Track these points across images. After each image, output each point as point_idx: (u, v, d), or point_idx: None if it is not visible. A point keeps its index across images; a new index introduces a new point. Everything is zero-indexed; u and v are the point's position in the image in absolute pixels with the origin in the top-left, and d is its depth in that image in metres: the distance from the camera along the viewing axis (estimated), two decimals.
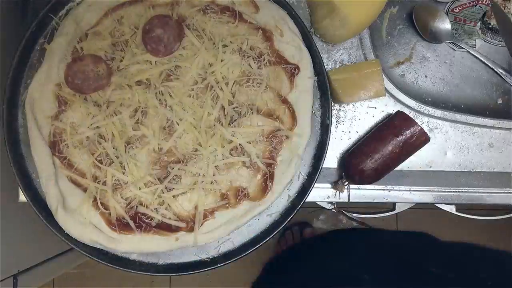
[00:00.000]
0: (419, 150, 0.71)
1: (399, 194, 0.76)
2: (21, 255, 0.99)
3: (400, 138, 0.69)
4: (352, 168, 0.70)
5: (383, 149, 0.69)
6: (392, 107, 0.77)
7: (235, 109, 0.67)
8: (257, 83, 0.68)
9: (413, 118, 0.71)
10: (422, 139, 0.69)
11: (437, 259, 0.74)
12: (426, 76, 0.83)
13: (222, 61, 0.67)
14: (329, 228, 0.73)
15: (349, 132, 0.76)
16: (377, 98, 0.76)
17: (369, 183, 0.71)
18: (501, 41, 0.82)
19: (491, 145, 0.78)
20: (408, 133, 0.68)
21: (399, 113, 0.72)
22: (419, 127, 0.68)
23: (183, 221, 0.66)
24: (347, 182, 0.73)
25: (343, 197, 0.75)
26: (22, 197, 0.68)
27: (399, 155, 0.70)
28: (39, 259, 1.09)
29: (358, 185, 0.74)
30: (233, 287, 1.69)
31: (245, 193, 0.67)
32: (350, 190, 0.75)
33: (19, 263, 0.98)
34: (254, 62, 0.68)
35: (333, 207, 0.78)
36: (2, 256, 0.87)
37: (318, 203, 0.77)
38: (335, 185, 0.74)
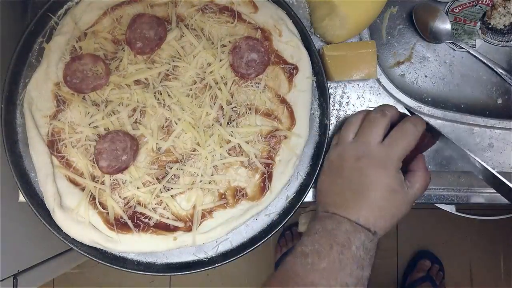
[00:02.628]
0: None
1: None
2: (21, 255, 0.99)
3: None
4: None
5: None
6: None
7: (233, 109, 0.67)
8: (256, 83, 0.68)
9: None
10: (430, 143, 0.69)
11: None
12: (426, 76, 0.83)
13: (220, 60, 0.67)
14: None
15: None
16: (377, 98, 0.76)
17: None
18: (501, 41, 0.82)
19: (491, 145, 0.78)
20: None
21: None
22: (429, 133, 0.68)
23: (181, 220, 0.66)
24: None
25: None
26: (22, 197, 0.68)
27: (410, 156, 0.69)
28: (39, 259, 1.09)
29: None
30: (233, 287, 1.69)
31: (243, 193, 0.67)
32: None
33: (19, 263, 0.98)
34: None
35: None
36: (2, 256, 0.87)
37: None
38: None
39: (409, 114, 0.70)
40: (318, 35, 0.75)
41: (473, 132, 0.78)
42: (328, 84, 0.71)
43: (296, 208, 0.69)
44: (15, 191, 0.69)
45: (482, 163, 0.61)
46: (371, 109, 0.68)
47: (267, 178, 0.67)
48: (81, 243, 0.65)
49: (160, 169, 0.66)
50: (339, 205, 0.61)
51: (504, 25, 0.80)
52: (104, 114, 0.65)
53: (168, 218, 0.65)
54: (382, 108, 0.66)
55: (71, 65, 0.65)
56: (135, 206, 0.65)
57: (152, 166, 0.66)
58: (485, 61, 0.81)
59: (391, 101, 0.76)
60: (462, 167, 0.76)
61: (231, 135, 0.66)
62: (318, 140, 0.71)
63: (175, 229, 0.65)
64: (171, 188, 0.65)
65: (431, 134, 0.67)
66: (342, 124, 0.69)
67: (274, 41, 0.69)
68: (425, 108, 0.77)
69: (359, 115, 0.67)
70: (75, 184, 0.65)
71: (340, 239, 0.57)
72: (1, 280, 0.89)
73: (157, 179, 0.66)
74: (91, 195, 0.65)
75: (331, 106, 0.71)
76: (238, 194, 0.67)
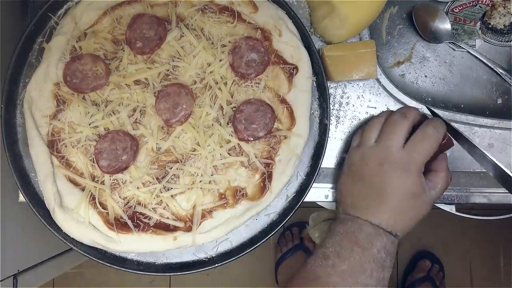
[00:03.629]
0: None
1: None
2: (21, 255, 0.99)
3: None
4: None
5: None
6: (392, 107, 0.76)
7: (233, 109, 0.67)
8: (256, 83, 0.68)
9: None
10: (448, 144, 0.67)
11: None
12: (426, 76, 0.83)
13: (220, 60, 0.67)
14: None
15: (349, 132, 0.76)
16: (377, 98, 0.76)
17: None
18: (501, 41, 0.82)
19: (491, 145, 0.78)
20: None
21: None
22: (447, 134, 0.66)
23: (181, 220, 0.66)
24: None
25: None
26: (22, 197, 0.68)
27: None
28: (39, 259, 1.09)
29: None
30: (233, 287, 1.69)
31: (243, 193, 0.67)
32: None
33: (19, 263, 0.98)
34: None
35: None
36: (2, 256, 0.87)
37: (318, 203, 0.77)
38: None
39: (429, 115, 0.69)
40: (318, 35, 0.75)
41: (473, 132, 0.78)
42: (328, 84, 0.71)
43: (296, 208, 0.69)
44: (15, 191, 0.69)
45: (500, 164, 0.61)
46: (373, 109, 0.68)
47: (267, 178, 0.67)
48: (81, 243, 0.65)
49: (160, 169, 0.66)
50: (359, 207, 0.62)
51: (504, 25, 0.80)
52: (104, 114, 0.65)
53: (168, 218, 0.65)
54: (403, 110, 0.66)
55: (71, 65, 0.65)
56: (135, 206, 0.65)
57: (152, 166, 0.66)
58: (485, 61, 0.81)
59: (391, 101, 0.77)
60: (467, 167, 0.77)
61: (231, 135, 0.66)
62: (318, 140, 0.71)
63: (175, 229, 0.65)
64: (171, 188, 0.65)
65: (449, 135, 0.67)
66: (365, 123, 0.69)
67: (274, 41, 0.69)
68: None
69: (381, 117, 0.67)
70: (75, 184, 0.65)
71: (361, 241, 0.58)
72: (1, 280, 0.89)
73: (157, 179, 0.66)
74: (91, 195, 0.65)
75: (331, 106, 0.71)
76: (238, 194, 0.67)
